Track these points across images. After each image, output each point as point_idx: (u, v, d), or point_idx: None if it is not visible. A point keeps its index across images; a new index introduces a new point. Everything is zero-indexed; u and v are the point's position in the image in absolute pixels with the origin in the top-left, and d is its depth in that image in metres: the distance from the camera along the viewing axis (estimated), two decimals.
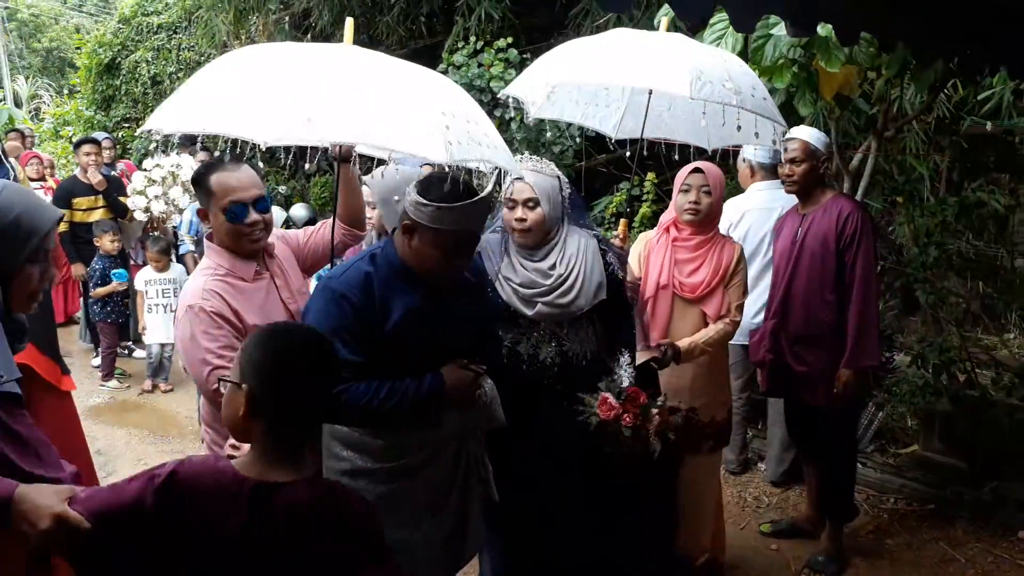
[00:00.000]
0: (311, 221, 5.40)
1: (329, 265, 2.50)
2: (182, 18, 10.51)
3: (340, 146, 2.31)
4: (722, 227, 3.19)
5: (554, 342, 2.46)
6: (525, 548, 2.54)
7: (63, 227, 5.68)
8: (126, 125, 10.90)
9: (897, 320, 4.68)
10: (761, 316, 3.55)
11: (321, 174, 8.04)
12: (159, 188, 6.09)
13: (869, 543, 3.56)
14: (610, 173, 6.54)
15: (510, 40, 5.53)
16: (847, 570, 3.32)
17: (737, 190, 4.15)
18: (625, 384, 2.41)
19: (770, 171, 3.87)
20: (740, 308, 2.95)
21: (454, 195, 1.97)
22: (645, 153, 3.06)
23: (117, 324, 5.83)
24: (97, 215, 6.02)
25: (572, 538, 2.49)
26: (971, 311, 5.24)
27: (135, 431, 4.94)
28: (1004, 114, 4.55)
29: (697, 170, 2.89)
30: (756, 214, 3.85)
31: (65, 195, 5.94)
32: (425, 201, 1.97)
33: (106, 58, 11.10)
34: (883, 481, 4.03)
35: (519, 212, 2.44)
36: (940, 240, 3.98)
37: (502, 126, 5.41)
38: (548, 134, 5.55)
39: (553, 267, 2.45)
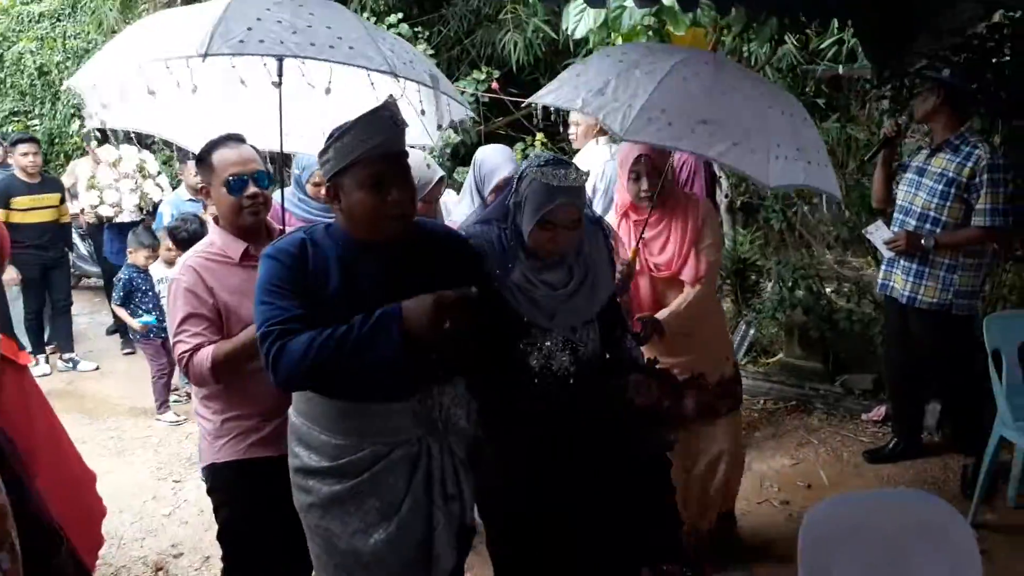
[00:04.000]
0: None
1: None
2: (65, 5, 10.25)
3: None
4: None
5: (568, 349, 2.11)
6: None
7: None
8: (15, 119, 10.60)
9: (763, 248, 5.31)
10: None
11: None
12: (132, 181, 5.87)
13: (742, 437, 4.18)
14: (508, 135, 6.96)
15: (400, 16, 5.83)
16: None
17: None
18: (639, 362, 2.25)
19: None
20: (713, 265, 2.80)
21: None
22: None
23: (162, 342, 4.87)
24: (38, 216, 5.69)
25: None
26: (840, 237, 5.96)
27: (68, 415, 5.10)
28: (845, 58, 5.19)
29: (641, 157, 2.70)
30: (612, 164, 3.92)
31: (2, 193, 5.56)
32: (323, 147, 1.82)
33: None
34: (755, 387, 4.66)
35: (559, 236, 2.04)
36: None
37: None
38: None
39: (570, 270, 2.13)
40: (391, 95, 1.91)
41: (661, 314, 2.71)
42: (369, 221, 1.81)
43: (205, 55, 2.10)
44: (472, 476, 2.02)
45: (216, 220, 2.35)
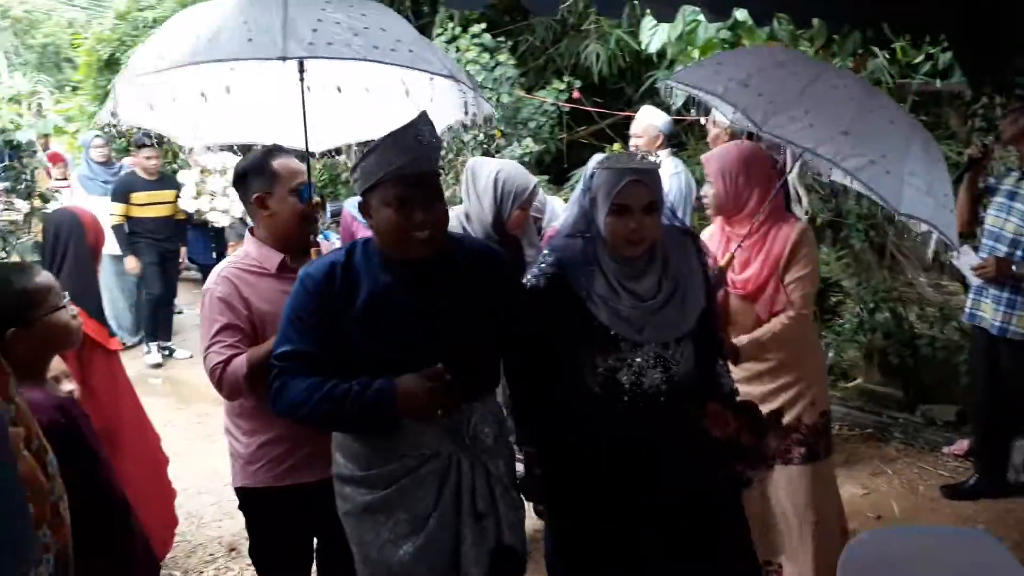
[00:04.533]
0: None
1: None
2: (176, 11, 10.83)
3: None
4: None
5: (660, 366, 2.03)
6: None
7: (117, 220, 5.94)
8: None
9: (846, 268, 5.14)
10: None
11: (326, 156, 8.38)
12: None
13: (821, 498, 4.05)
14: (591, 144, 6.98)
15: (484, 26, 5.95)
16: None
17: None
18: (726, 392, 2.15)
19: (670, 138, 4.02)
20: (806, 298, 2.58)
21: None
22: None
23: None
24: (155, 211, 6.16)
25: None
26: (938, 259, 5.71)
27: (162, 399, 5.43)
28: (940, 72, 4.97)
29: (710, 159, 2.68)
30: (679, 177, 3.93)
31: (123, 189, 6.10)
32: (360, 161, 1.82)
33: (105, 54, 11.44)
34: (831, 412, 4.51)
35: (634, 222, 1.95)
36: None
37: None
38: (524, 111, 5.99)
39: (659, 281, 2.05)
40: (424, 112, 1.85)
41: (741, 339, 2.57)
42: (395, 240, 1.82)
43: (284, 58, 2.06)
44: (513, 496, 1.99)
45: (252, 231, 2.32)
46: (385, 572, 1.92)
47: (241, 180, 2.27)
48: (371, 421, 1.82)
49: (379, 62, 2.14)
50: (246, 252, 2.27)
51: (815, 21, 3.62)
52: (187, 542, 3.57)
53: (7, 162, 5.75)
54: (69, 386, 2.33)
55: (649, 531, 2.04)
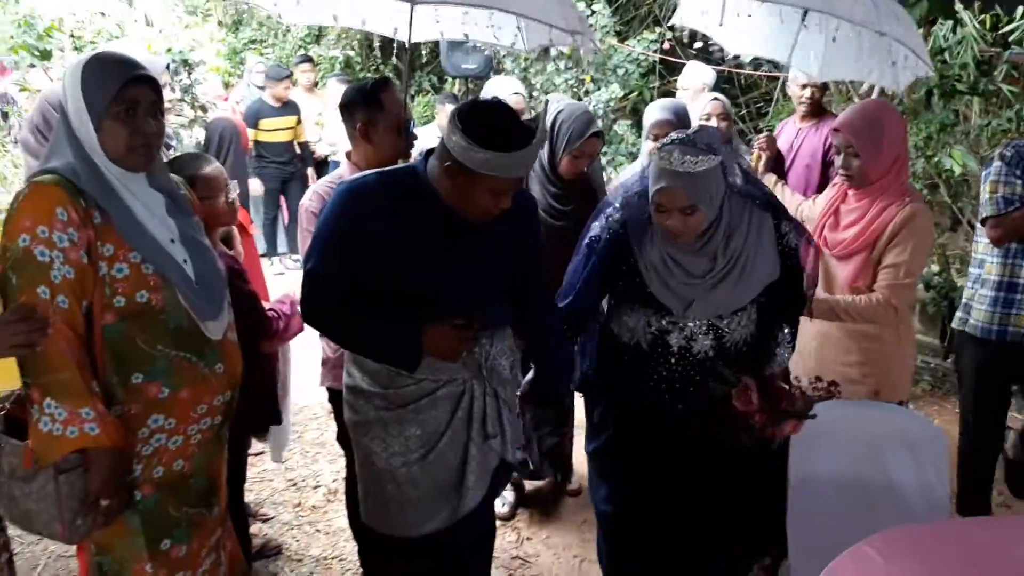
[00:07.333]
0: None
1: None
2: None
3: None
4: None
5: (712, 334, 2.06)
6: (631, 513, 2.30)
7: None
8: (252, 47, 12.05)
9: None
10: None
11: (423, 93, 8.89)
12: None
13: None
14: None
15: None
16: None
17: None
18: (780, 365, 2.15)
19: (713, 90, 4.14)
20: (895, 289, 2.40)
21: (505, 138, 1.72)
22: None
23: None
24: (280, 136, 6.65)
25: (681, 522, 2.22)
26: None
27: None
28: None
29: (835, 130, 2.51)
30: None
31: (253, 115, 6.47)
32: (475, 147, 1.71)
33: None
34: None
35: (673, 221, 1.97)
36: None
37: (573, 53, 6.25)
38: (615, 58, 6.37)
39: (714, 257, 2.02)
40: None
41: (821, 294, 2.44)
42: (473, 214, 1.85)
43: (414, 1, 2.09)
44: (517, 418, 2.11)
45: (349, 156, 2.45)
46: (389, 480, 2.01)
47: (348, 107, 2.40)
48: (395, 360, 1.95)
49: (492, 8, 2.19)
50: (341, 174, 2.41)
51: None
52: (294, 403, 4.22)
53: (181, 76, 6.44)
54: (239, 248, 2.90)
55: (678, 482, 2.15)
